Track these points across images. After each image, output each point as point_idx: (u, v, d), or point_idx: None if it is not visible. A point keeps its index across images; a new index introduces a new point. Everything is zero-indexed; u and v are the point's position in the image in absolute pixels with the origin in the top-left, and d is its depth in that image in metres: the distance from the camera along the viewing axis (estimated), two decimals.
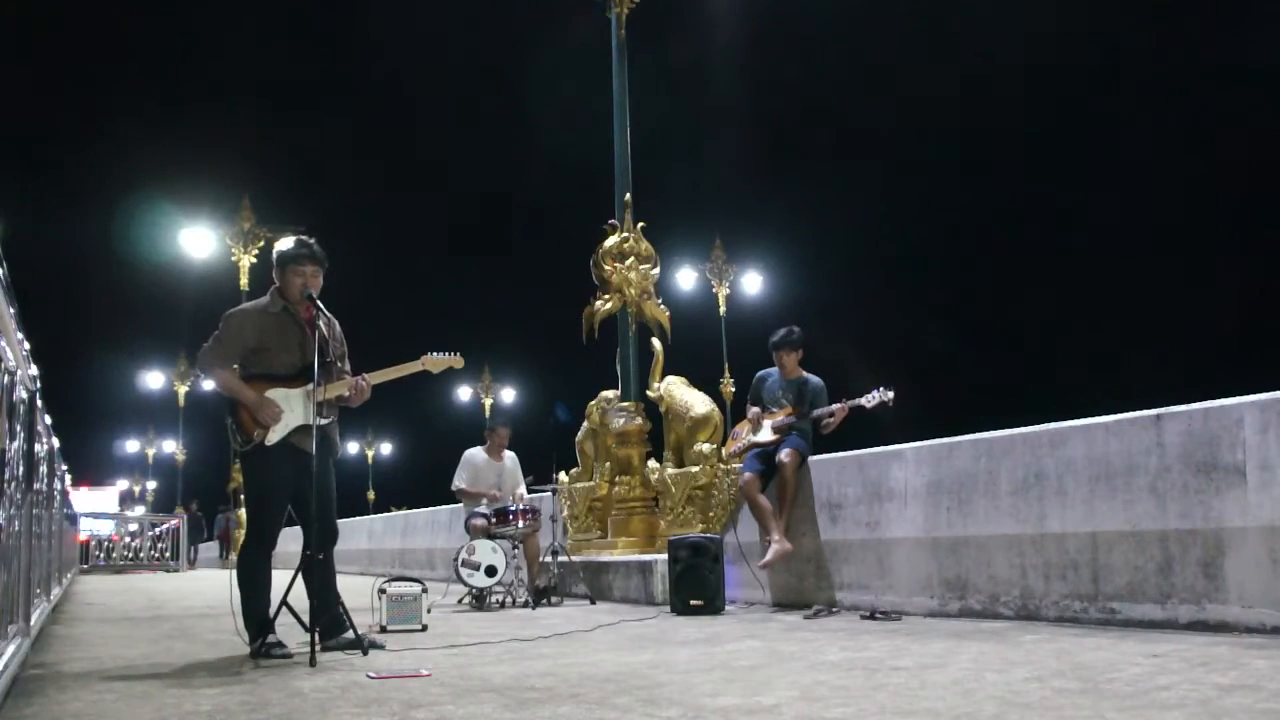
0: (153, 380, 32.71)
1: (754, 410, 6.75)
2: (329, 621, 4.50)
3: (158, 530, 22.81)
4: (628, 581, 7.43)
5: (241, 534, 5.80)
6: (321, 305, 4.62)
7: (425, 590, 5.81)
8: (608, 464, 8.64)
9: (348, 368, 4.80)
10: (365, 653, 4.37)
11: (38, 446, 4.59)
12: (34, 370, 4.06)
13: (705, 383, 9.31)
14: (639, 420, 8.49)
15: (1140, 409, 4.63)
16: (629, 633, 5.19)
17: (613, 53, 9.29)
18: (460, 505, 8.51)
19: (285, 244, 4.73)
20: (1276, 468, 4.04)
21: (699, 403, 7.86)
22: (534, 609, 6.93)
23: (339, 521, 4.92)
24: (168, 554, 21.80)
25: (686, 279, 23.44)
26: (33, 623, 4.85)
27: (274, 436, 4.48)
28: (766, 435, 6.61)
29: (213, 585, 11.70)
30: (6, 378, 3.32)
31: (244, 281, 20.41)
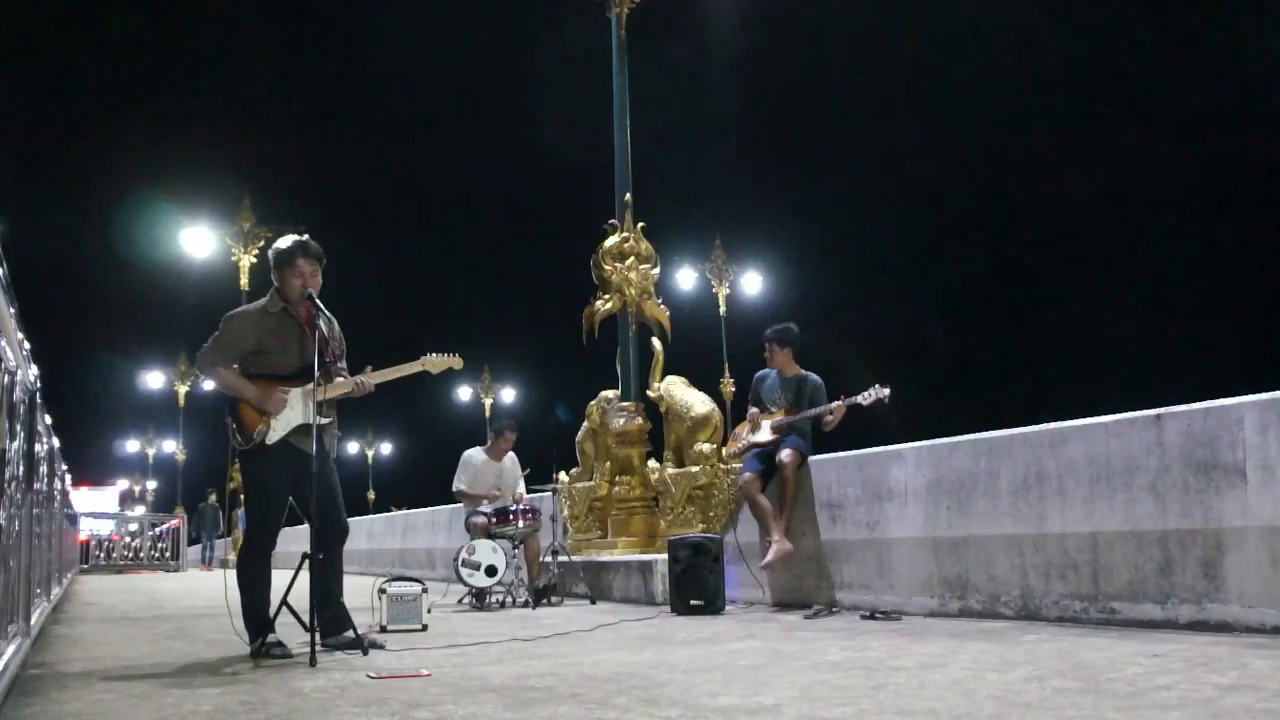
0: (153, 380, 32.72)
1: (753, 411, 6.75)
2: (329, 621, 4.50)
3: (158, 530, 22.79)
4: (628, 581, 7.43)
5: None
6: (321, 305, 4.61)
7: (425, 590, 5.81)
8: (608, 464, 8.64)
9: (344, 365, 4.80)
10: (365, 653, 4.37)
11: (38, 446, 4.58)
12: (34, 370, 4.06)
13: (705, 383, 9.32)
14: (639, 420, 8.49)
15: (1140, 409, 4.63)
16: (629, 633, 5.19)
17: (613, 53, 9.28)
18: (460, 505, 8.51)
19: (282, 244, 4.70)
20: (1276, 468, 4.04)
21: (699, 403, 7.86)
22: (534, 609, 6.93)
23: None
24: (168, 554, 21.79)
25: (686, 279, 23.46)
26: (33, 623, 4.85)
27: (275, 435, 4.48)
28: (765, 435, 6.61)
29: (213, 585, 11.69)
30: (6, 378, 3.32)
31: (244, 281, 20.42)
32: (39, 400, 4.41)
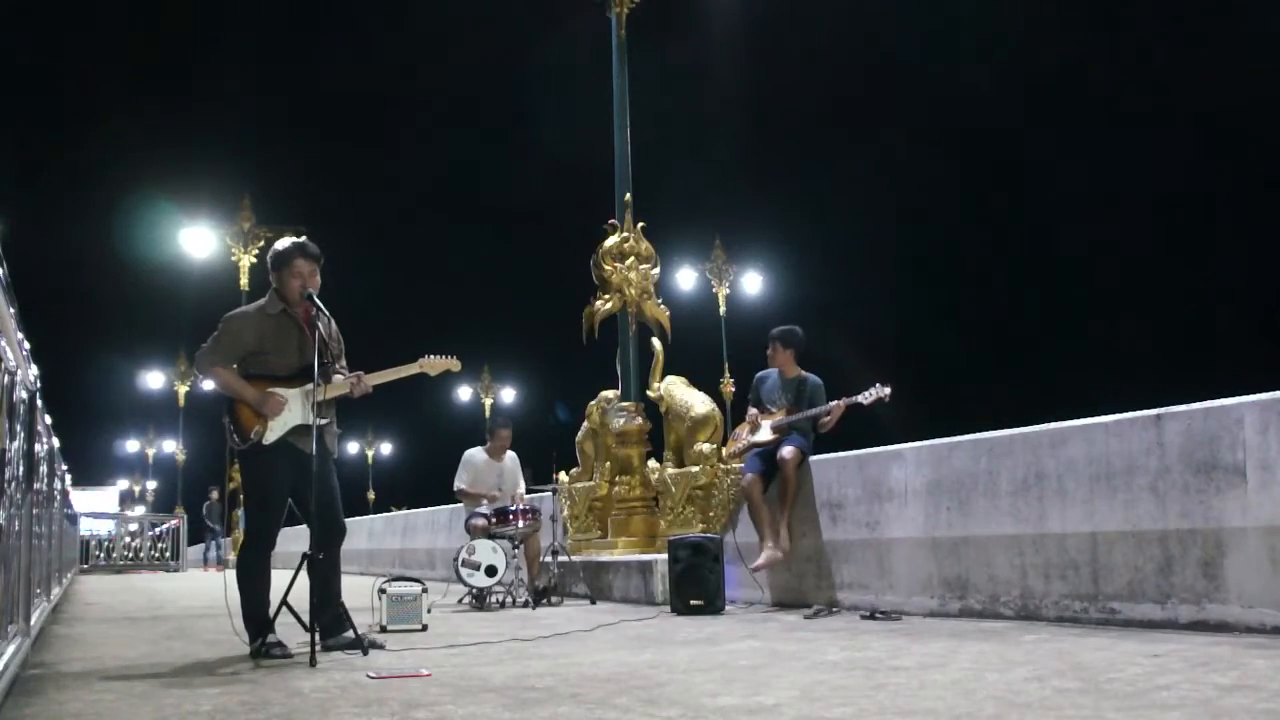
0: (153, 380, 32.68)
1: (753, 412, 6.76)
2: (329, 621, 4.50)
3: (158, 530, 22.78)
4: (628, 581, 7.43)
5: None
6: (320, 305, 4.62)
7: (425, 590, 5.81)
8: (608, 464, 8.64)
9: (344, 364, 4.80)
10: (365, 653, 4.37)
11: (38, 446, 4.58)
12: (34, 370, 4.06)
13: (705, 383, 9.31)
14: (639, 420, 8.49)
15: (1140, 409, 4.62)
16: (629, 633, 5.19)
17: (613, 53, 9.29)
18: (460, 505, 8.51)
19: (280, 245, 4.72)
20: (1276, 468, 4.04)
21: (699, 403, 7.86)
22: (534, 609, 6.93)
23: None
24: (167, 554, 21.79)
25: (686, 279, 23.45)
26: (33, 623, 4.85)
27: (272, 435, 4.48)
28: (766, 435, 6.61)
29: (213, 585, 11.70)
30: (6, 378, 3.32)
31: (244, 281, 20.42)
32: (39, 400, 4.41)
